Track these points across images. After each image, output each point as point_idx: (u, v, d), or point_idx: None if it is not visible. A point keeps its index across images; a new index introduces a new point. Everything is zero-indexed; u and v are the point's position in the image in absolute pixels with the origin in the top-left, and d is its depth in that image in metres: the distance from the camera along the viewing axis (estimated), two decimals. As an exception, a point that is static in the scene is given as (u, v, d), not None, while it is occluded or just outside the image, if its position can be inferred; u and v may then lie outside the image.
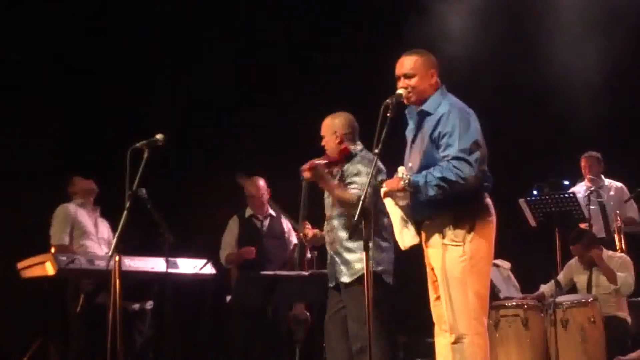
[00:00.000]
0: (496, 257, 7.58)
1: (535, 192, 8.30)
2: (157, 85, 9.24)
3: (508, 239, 8.49)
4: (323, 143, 5.77)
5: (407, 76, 4.90)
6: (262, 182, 7.88)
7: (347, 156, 5.66)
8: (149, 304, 7.53)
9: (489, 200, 4.87)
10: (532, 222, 8.25)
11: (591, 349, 6.86)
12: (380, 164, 5.35)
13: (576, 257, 7.69)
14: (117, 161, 5.57)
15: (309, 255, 7.57)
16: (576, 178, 8.76)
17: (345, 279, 5.56)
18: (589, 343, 6.85)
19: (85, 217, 7.47)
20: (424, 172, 4.71)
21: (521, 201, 8.25)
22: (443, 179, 4.63)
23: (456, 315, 4.73)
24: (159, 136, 5.54)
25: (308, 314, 7.78)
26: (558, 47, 9.12)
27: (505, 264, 7.69)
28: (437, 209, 4.77)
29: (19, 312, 8.59)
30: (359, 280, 5.38)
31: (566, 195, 8.17)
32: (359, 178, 5.52)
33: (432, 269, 4.91)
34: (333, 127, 5.74)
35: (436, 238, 4.82)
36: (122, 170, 5.44)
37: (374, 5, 9.44)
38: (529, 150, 9.16)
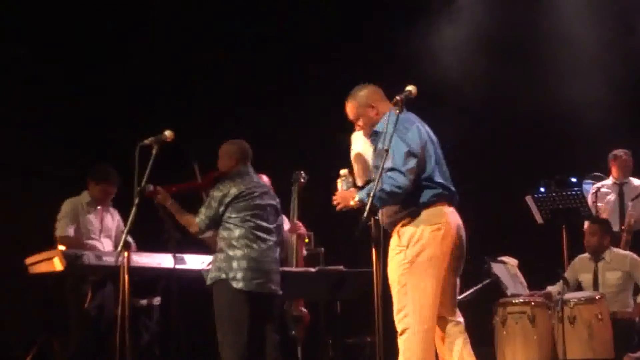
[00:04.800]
0: (503, 254, 7.62)
1: (542, 189, 8.31)
2: (167, 81, 9.24)
3: (515, 236, 8.58)
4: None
5: (354, 121, 5.40)
6: (265, 178, 7.85)
7: (215, 178, 6.35)
8: (156, 300, 7.53)
9: (444, 209, 5.19)
10: (539, 219, 8.26)
11: (598, 345, 6.86)
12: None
13: (579, 257, 7.69)
14: (126, 157, 5.58)
15: (305, 251, 7.53)
16: (583, 175, 8.78)
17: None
18: (596, 340, 6.85)
19: (92, 216, 7.43)
20: (366, 188, 5.12)
21: (528, 198, 8.25)
22: (381, 191, 4.99)
23: (401, 312, 5.11)
24: (167, 133, 5.58)
25: (304, 310, 7.63)
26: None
27: (512, 261, 7.68)
28: (393, 220, 5.20)
29: (25, 308, 8.60)
30: (212, 284, 6.20)
31: (573, 192, 8.18)
32: (204, 208, 6.24)
33: None
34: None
35: (392, 245, 5.23)
36: (131, 166, 5.46)
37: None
38: (536, 147, 9.16)
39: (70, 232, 7.29)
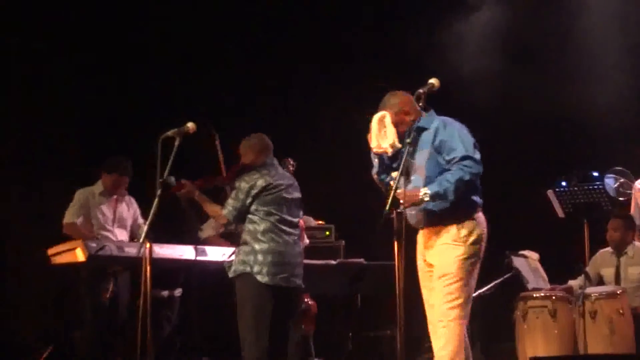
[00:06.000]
0: (524, 248, 7.61)
1: (563, 183, 8.28)
2: (187, 73, 9.26)
3: (536, 230, 8.56)
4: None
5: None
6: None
7: (239, 170, 6.32)
8: (178, 292, 7.55)
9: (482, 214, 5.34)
10: (560, 213, 8.23)
11: (619, 340, 6.83)
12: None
13: (601, 251, 7.66)
14: (146, 149, 5.60)
15: (307, 241, 7.46)
16: (605, 169, 8.72)
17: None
18: (617, 335, 6.82)
19: (104, 206, 7.44)
20: (436, 181, 5.13)
21: (549, 192, 8.22)
22: (459, 180, 5.08)
23: (451, 302, 5.22)
24: (189, 124, 5.58)
25: (311, 302, 7.59)
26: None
27: (534, 255, 7.65)
28: (454, 215, 5.22)
29: (44, 300, 8.65)
30: (236, 277, 6.12)
31: (595, 186, 8.15)
32: (231, 199, 6.18)
33: (429, 271, 5.36)
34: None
35: (443, 237, 5.27)
36: (149, 158, 5.48)
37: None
38: (558, 142, 9.13)
39: (77, 220, 7.31)
